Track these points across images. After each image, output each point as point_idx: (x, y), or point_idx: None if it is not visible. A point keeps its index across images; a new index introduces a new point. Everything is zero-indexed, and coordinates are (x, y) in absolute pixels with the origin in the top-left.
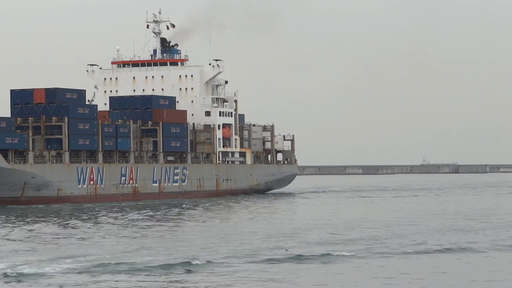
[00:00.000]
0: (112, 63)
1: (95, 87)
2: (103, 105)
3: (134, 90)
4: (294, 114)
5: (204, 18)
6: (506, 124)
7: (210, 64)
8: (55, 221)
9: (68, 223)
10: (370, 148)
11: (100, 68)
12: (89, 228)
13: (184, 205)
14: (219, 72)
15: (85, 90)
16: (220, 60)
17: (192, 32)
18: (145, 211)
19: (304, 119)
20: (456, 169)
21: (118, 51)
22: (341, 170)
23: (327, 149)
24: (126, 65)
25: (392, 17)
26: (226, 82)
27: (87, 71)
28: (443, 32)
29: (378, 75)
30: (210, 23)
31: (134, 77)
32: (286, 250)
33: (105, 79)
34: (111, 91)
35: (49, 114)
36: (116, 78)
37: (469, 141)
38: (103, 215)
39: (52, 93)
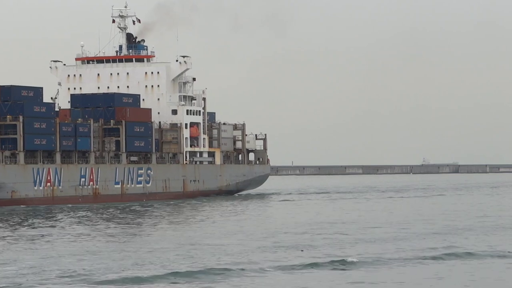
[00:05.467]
0: (76, 59)
1: (59, 84)
2: (66, 103)
3: (98, 88)
4: (293, 114)
5: (171, 13)
6: (507, 124)
7: (177, 60)
8: None
9: None
10: (370, 148)
11: (64, 64)
12: None
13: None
14: (187, 69)
15: (42, 88)
16: (187, 56)
17: (159, 28)
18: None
19: (304, 119)
20: (456, 169)
21: (82, 46)
22: (341, 170)
23: (327, 149)
24: (90, 62)
25: (391, 16)
26: (194, 79)
27: (50, 67)
28: (443, 33)
29: (378, 74)
30: (177, 19)
31: (98, 74)
32: (302, 250)
33: (68, 75)
34: (74, 89)
35: (3, 113)
36: (80, 75)
37: (469, 141)
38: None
39: (7, 91)
